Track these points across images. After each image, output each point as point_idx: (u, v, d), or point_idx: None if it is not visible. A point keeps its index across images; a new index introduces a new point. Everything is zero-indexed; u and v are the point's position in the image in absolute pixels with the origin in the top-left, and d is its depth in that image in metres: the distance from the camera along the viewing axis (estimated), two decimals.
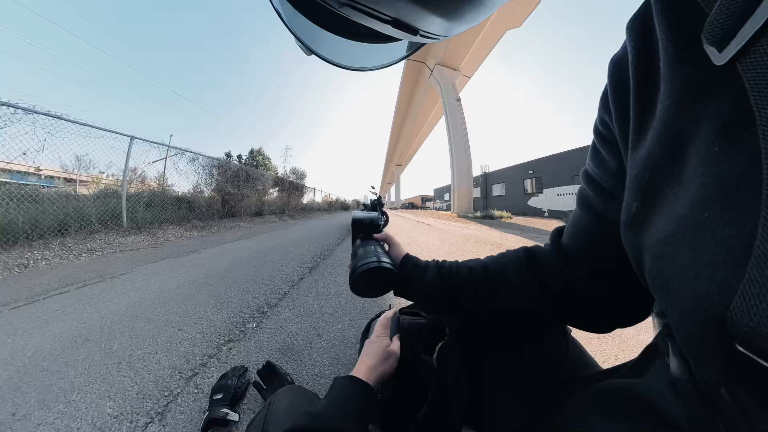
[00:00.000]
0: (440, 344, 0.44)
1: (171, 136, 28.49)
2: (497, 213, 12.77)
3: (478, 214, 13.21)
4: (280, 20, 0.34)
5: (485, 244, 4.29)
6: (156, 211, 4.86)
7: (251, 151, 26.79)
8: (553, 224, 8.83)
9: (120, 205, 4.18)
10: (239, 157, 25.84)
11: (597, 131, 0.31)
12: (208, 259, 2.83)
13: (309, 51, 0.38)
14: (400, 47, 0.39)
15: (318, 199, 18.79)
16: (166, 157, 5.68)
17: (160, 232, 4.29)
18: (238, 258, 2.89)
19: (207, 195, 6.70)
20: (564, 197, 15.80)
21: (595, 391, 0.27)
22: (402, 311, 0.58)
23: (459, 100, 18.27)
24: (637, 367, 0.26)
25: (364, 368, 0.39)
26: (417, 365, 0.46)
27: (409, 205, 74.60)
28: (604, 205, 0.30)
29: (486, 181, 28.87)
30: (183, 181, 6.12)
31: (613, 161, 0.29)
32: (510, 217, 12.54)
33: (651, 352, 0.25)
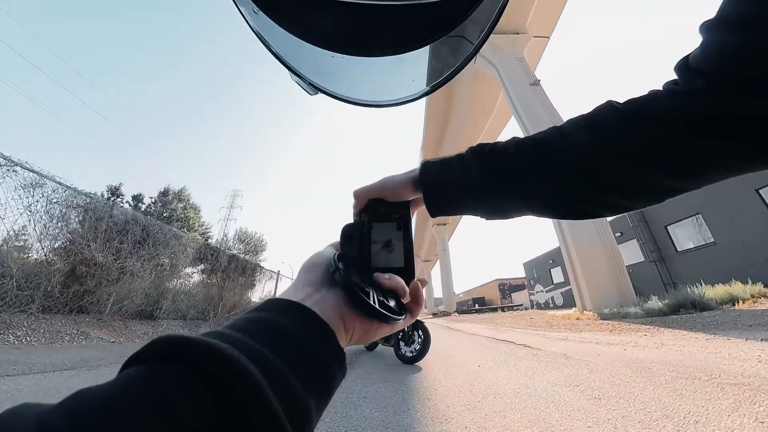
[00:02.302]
0: None
1: None
2: (709, 293, 5.26)
3: (657, 303, 5.66)
4: (272, 56, 0.31)
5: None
6: None
7: (164, 192, 15.48)
8: None
9: None
10: (136, 199, 15.19)
11: None
12: None
13: (314, 90, 0.33)
14: (424, 73, 0.34)
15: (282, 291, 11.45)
16: None
17: None
18: None
19: (33, 258, 3.69)
20: None
21: None
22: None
23: (538, 82, 10.33)
24: None
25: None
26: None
27: (473, 305, 36.62)
28: None
29: (649, 218, 11.78)
30: None
31: None
32: (758, 298, 5.01)
33: None
